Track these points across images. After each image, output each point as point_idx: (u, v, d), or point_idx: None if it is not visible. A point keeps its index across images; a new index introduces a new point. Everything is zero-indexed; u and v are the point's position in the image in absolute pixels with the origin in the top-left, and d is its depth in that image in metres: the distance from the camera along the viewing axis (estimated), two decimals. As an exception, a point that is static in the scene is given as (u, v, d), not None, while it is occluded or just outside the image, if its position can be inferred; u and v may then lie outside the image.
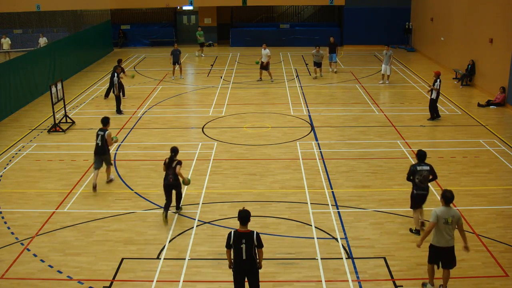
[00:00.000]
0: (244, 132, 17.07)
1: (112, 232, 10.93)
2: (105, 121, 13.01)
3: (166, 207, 11.16)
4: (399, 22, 32.79)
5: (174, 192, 11.36)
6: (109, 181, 13.30)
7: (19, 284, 9.23)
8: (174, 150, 11.43)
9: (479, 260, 9.73)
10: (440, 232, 8.44)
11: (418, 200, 10.47)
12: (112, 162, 13.81)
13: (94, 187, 12.71)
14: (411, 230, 10.75)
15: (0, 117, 18.71)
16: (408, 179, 10.52)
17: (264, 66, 23.81)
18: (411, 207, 10.64)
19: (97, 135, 12.81)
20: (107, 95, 21.51)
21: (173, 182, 11.17)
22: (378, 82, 23.31)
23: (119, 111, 19.20)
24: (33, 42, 28.12)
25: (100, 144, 12.77)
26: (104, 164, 13.02)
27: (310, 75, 25.07)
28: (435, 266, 8.77)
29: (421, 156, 10.42)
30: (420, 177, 10.32)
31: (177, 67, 24.65)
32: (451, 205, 8.47)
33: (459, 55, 24.23)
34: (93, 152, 12.98)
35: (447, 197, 8.39)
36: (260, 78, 24.11)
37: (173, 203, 11.54)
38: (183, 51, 32.87)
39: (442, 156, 14.82)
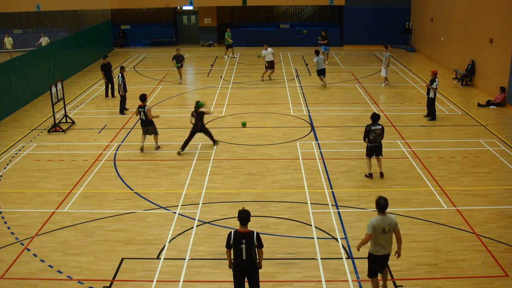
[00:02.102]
0: (244, 132, 17.07)
1: (112, 232, 10.93)
2: (143, 97, 15.18)
3: (184, 146, 15.08)
4: (399, 22, 32.80)
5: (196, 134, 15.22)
6: (157, 147, 15.39)
7: (19, 284, 9.23)
8: (199, 104, 15.16)
9: (479, 260, 9.73)
10: (378, 242, 8.23)
11: (372, 150, 13.08)
12: (158, 131, 15.44)
13: (142, 149, 15.22)
14: (365, 175, 13.34)
15: (0, 117, 18.72)
16: (364, 138, 13.05)
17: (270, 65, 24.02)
18: (366, 155, 13.27)
19: (139, 111, 14.97)
20: (107, 94, 21.57)
21: (201, 128, 15.19)
22: (381, 84, 23.26)
23: (122, 112, 19.21)
24: (33, 42, 28.09)
25: (144, 118, 15.00)
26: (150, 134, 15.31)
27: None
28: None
29: (375, 117, 12.85)
30: (374, 134, 12.82)
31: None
32: (386, 212, 8.22)
33: (459, 55, 24.23)
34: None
35: (381, 205, 8.12)
36: (265, 78, 24.36)
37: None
38: (183, 51, 33.00)
39: (442, 156, 14.82)
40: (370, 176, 13.25)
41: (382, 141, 13.13)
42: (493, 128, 17.15)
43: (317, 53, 22.48)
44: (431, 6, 28.79)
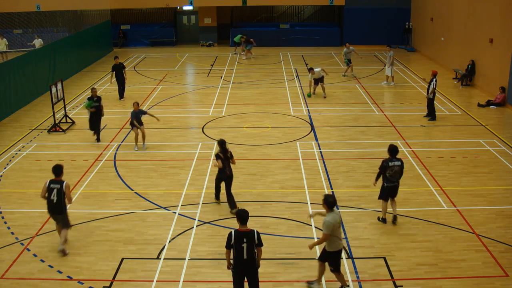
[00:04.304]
0: (244, 132, 17.07)
1: (112, 232, 10.93)
2: (59, 170, 10.06)
3: (218, 196, 12.01)
4: (399, 22, 32.80)
5: (224, 184, 11.65)
6: (61, 250, 10.01)
7: (19, 284, 9.23)
8: (223, 143, 11.54)
9: (479, 260, 9.73)
10: (336, 237, 8.47)
11: (388, 191, 10.87)
12: (71, 225, 10.38)
13: (62, 251, 10.01)
14: (378, 218, 11.25)
15: (0, 117, 18.71)
16: (378, 176, 10.85)
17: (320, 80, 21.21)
18: (379, 198, 11.07)
19: (50, 190, 9.83)
20: (121, 96, 21.31)
21: (230, 174, 11.51)
22: (382, 82, 23.35)
23: (97, 137, 16.23)
24: (29, 43, 27.87)
25: (55, 201, 9.84)
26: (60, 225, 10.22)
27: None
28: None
29: (393, 151, 10.72)
30: (392, 172, 10.65)
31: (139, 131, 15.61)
32: (334, 208, 8.50)
33: (459, 55, 24.23)
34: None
35: (330, 202, 8.40)
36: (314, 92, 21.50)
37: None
38: (182, 51, 33.11)
39: (442, 156, 14.82)
40: (383, 221, 11.09)
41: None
42: (493, 128, 17.15)
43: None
44: (431, 6, 28.79)
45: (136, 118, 15.26)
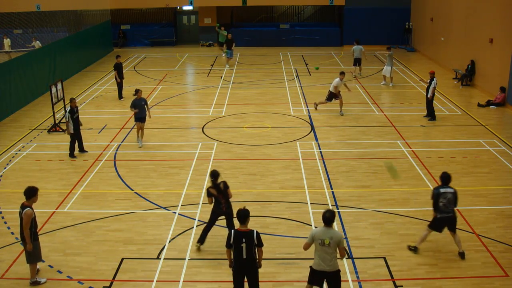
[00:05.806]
0: (244, 132, 17.07)
1: (112, 232, 10.93)
2: (26, 192, 8.95)
3: (203, 238, 10.12)
4: (399, 22, 32.81)
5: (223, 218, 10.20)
6: (33, 283, 9.08)
7: (19, 284, 9.22)
8: (215, 175, 9.92)
9: (479, 260, 9.73)
10: (318, 254, 7.90)
11: (441, 223, 9.76)
12: (36, 261, 9.19)
13: (35, 283, 9.09)
14: (409, 247, 10.16)
15: (0, 117, 18.71)
16: (435, 207, 9.71)
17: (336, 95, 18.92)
18: (429, 226, 9.90)
19: (19, 214, 8.88)
20: (120, 96, 21.32)
21: (227, 210, 9.95)
22: (381, 83, 23.34)
23: (71, 154, 15.00)
24: (27, 44, 27.74)
25: (20, 227, 8.88)
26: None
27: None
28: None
29: (445, 178, 9.74)
30: (445, 200, 9.61)
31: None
32: (333, 225, 7.94)
33: (459, 55, 24.23)
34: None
35: (326, 218, 7.84)
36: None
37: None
38: (182, 51, 33.11)
39: (442, 156, 14.82)
40: (414, 249, 10.05)
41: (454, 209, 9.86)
42: (493, 128, 17.15)
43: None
44: (431, 6, 28.80)
45: (135, 106, 15.28)
